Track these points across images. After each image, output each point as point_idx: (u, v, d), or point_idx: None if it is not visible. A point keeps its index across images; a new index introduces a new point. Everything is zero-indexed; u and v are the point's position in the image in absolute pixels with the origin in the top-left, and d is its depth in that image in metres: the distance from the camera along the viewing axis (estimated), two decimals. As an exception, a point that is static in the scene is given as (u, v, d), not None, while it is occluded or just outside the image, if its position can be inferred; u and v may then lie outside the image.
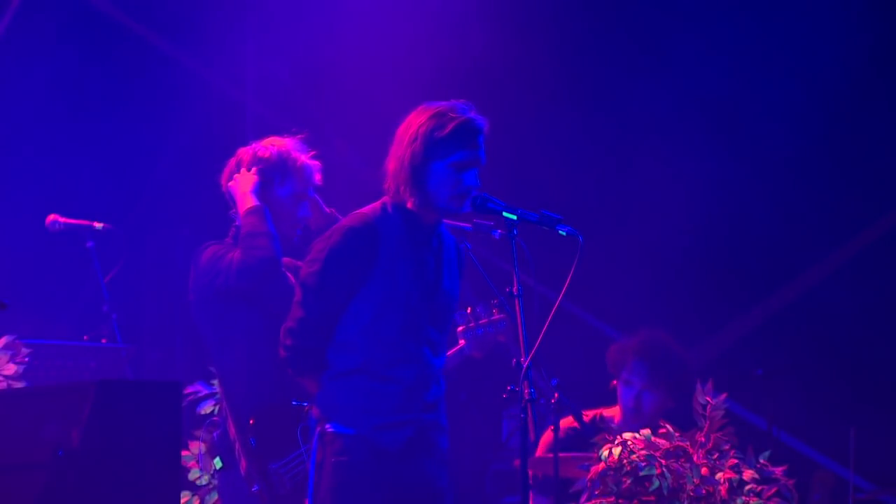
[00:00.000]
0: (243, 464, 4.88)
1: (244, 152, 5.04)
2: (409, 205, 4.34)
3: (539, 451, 5.77)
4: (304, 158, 5.04)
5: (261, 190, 4.95)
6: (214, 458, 4.96)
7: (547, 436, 5.83)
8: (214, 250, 4.95)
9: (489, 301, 5.52)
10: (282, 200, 5.00)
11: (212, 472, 5.22)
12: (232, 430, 4.94)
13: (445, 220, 4.50)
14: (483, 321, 5.39)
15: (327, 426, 4.32)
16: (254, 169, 4.95)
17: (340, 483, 4.26)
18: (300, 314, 4.33)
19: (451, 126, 4.27)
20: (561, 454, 5.34)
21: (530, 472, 5.65)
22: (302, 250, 4.92)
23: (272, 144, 5.04)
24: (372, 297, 4.31)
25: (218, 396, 5.28)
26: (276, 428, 4.88)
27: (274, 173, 4.99)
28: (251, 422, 4.86)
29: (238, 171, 5.01)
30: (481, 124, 4.33)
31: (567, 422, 5.89)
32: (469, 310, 5.33)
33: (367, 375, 4.31)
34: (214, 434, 5.04)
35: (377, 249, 4.30)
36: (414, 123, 4.31)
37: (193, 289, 4.99)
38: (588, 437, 5.35)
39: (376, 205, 4.41)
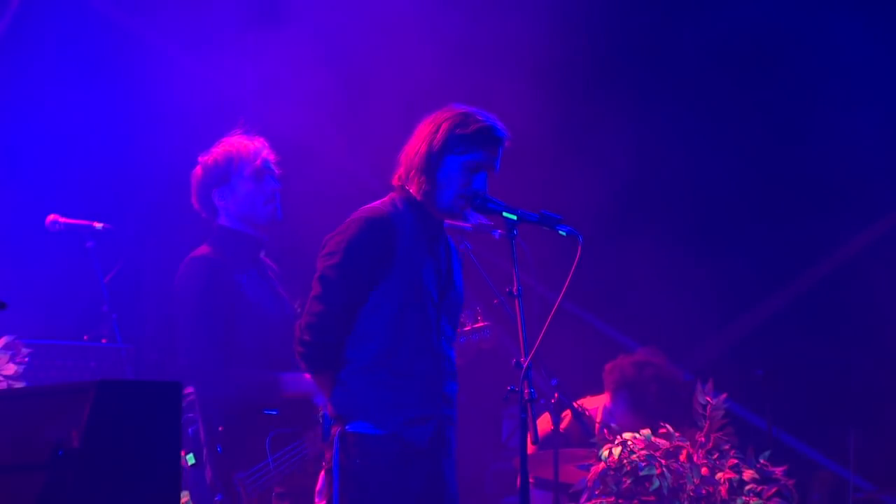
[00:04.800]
0: (208, 472, 4.87)
1: (204, 166, 5.26)
2: (417, 195, 4.34)
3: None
4: (244, 148, 5.25)
5: (227, 189, 5.19)
6: (188, 454, 4.96)
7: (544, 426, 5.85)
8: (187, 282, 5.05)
9: (473, 308, 5.53)
10: (246, 189, 5.20)
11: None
12: (202, 433, 4.95)
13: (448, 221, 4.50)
14: (466, 328, 5.38)
15: (348, 427, 4.28)
16: None
17: (369, 485, 4.23)
18: (320, 308, 4.29)
19: (474, 126, 4.32)
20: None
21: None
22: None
23: (213, 153, 5.27)
24: (394, 290, 4.29)
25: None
26: (245, 437, 4.87)
27: (225, 176, 5.21)
28: (220, 429, 4.85)
29: (208, 183, 5.23)
30: (503, 135, 4.37)
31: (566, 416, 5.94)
32: None
33: (389, 369, 4.29)
34: (189, 430, 5.04)
35: (394, 241, 4.29)
36: (438, 118, 4.36)
37: (175, 298, 5.07)
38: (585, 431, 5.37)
39: (385, 200, 4.41)
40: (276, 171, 5.29)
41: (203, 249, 5.19)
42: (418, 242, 4.34)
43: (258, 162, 5.22)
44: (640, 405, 6.07)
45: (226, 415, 4.86)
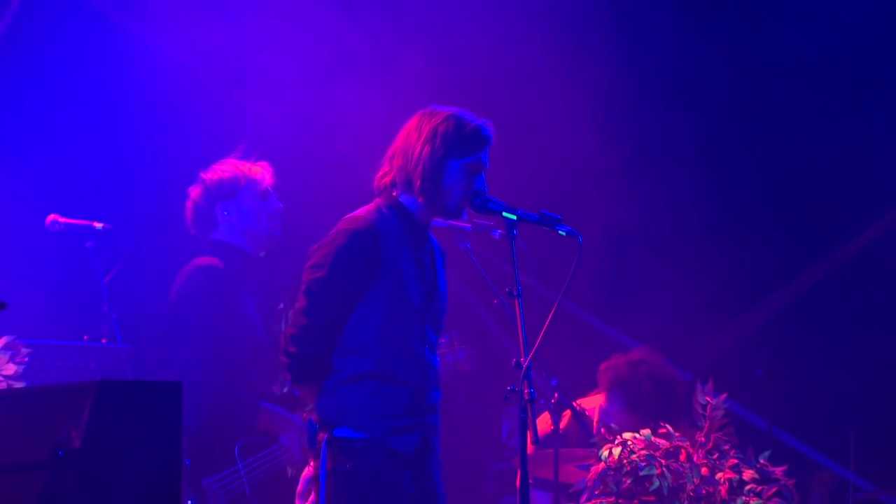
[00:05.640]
0: None
1: (208, 180, 5.35)
2: (415, 197, 4.34)
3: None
4: (251, 169, 5.38)
5: (233, 203, 5.29)
6: None
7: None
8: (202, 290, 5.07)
9: (450, 334, 5.56)
10: (252, 205, 5.32)
11: None
12: None
13: (446, 222, 4.51)
14: (443, 351, 5.41)
15: (335, 432, 4.28)
16: None
17: (357, 489, 4.24)
18: (305, 321, 4.29)
19: (470, 128, 4.34)
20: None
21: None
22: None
23: (219, 169, 5.39)
24: (380, 300, 4.29)
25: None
26: (214, 446, 4.91)
27: (232, 192, 5.33)
28: (185, 442, 4.90)
29: (213, 196, 5.28)
30: (492, 133, 4.40)
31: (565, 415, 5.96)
32: None
33: (378, 379, 4.29)
34: None
35: (380, 251, 4.29)
36: (428, 122, 4.36)
37: (179, 303, 5.09)
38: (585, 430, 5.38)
39: (370, 207, 4.41)
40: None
41: (209, 259, 5.23)
42: (404, 250, 4.34)
43: (266, 184, 5.33)
44: (636, 403, 6.08)
45: (198, 426, 4.88)
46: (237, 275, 5.26)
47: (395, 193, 4.39)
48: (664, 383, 6.10)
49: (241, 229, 5.31)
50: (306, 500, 4.41)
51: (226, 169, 5.38)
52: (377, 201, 4.41)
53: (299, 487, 4.47)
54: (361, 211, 4.39)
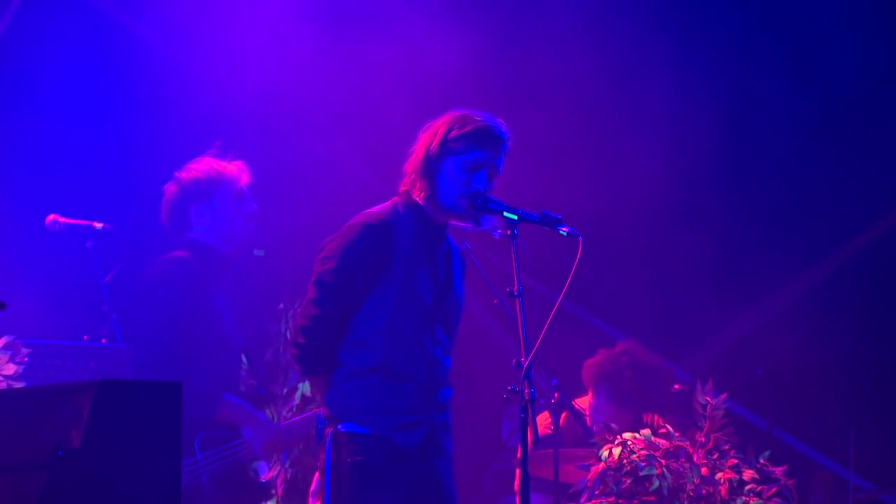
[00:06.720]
0: None
1: (183, 181, 5.38)
2: (419, 198, 4.35)
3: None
4: (226, 169, 5.39)
5: (208, 206, 5.32)
6: None
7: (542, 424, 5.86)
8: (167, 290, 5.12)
9: None
10: (228, 208, 5.34)
11: None
12: None
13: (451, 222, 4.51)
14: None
15: (340, 426, 4.30)
16: None
17: (360, 483, 4.25)
18: (315, 312, 4.30)
19: (471, 126, 4.34)
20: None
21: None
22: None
23: (194, 169, 5.41)
24: (388, 296, 4.30)
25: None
26: None
27: (207, 193, 5.35)
28: None
29: (188, 198, 5.36)
30: (503, 134, 4.38)
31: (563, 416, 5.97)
32: None
33: (383, 374, 4.30)
34: None
35: (391, 246, 4.30)
36: (437, 122, 4.39)
37: (145, 292, 5.11)
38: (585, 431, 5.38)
39: (387, 204, 4.42)
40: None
41: (179, 252, 5.27)
42: (416, 248, 4.35)
43: (241, 184, 5.31)
44: (619, 393, 6.12)
45: None
46: (209, 271, 5.27)
47: (411, 193, 4.40)
48: (646, 370, 6.15)
49: (215, 232, 5.33)
50: (319, 499, 4.42)
51: (201, 168, 5.36)
52: (394, 199, 4.43)
53: (312, 486, 4.49)
54: (377, 207, 4.42)
